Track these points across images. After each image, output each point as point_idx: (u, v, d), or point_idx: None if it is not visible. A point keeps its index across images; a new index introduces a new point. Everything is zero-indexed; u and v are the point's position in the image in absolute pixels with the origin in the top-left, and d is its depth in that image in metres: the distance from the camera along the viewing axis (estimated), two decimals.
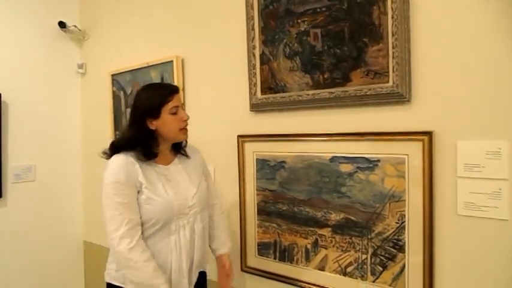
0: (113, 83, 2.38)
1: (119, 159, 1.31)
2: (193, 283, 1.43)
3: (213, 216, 1.57)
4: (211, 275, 1.62)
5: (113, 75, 2.37)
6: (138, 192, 1.30)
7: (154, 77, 2.09)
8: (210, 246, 1.56)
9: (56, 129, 2.60)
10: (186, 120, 1.38)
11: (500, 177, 1.10)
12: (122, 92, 2.32)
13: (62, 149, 2.62)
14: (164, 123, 1.34)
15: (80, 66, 2.67)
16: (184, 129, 1.39)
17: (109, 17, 2.49)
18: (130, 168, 1.30)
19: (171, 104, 1.34)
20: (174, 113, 1.35)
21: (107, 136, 2.44)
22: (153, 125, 1.34)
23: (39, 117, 2.49)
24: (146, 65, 2.13)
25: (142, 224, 1.30)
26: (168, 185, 1.36)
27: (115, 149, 1.35)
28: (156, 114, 1.33)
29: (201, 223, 1.42)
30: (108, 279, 1.41)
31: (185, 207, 1.36)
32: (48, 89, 2.55)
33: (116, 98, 2.37)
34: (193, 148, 1.56)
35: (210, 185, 1.57)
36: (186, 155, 1.50)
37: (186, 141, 1.51)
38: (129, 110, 2.26)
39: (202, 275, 1.51)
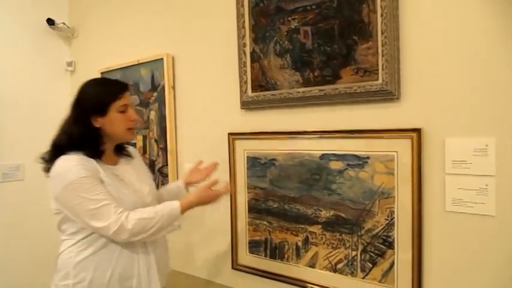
0: None
1: (73, 157, 1.20)
2: (163, 286, 1.37)
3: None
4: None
5: (102, 73, 2.35)
6: None
7: (145, 75, 2.08)
8: (168, 196, 1.51)
9: (45, 127, 2.51)
10: (134, 120, 1.32)
11: (487, 173, 1.12)
12: None
13: None
14: (111, 122, 1.27)
15: (69, 64, 2.64)
16: (132, 129, 1.33)
17: (98, 14, 2.46)
18: (90, 164, 1.21)
19: (120, 102, 1.27)
20: (123, 112, 1.28)
21: None
22: (98, 122, 1.26)
23: (27, 116, 2.46)
24: (136, 63, 2.11)
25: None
26: (124, 185, 1.29)
27: (58, 148, 1.25)
28: (103, 111, 1.25)
29: None
30: None
31: (144, 205, 1.28)
32: (37, 87, 2.52)
33: None
34: (132, 148, 1.51)
35: None
36: (130, 155, 1.44)
37: (128, 143, 1.48)
38: None
39: None
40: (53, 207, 1.29)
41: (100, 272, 1.22)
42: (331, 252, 1.44)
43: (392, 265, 1.29)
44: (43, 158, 1.28)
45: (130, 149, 1.49)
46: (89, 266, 1.22)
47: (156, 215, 1.20)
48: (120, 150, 1.41)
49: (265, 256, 1.63)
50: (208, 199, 1.30)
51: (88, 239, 1.24)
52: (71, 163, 1.19)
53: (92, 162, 1.23)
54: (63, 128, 1.29)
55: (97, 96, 1.27)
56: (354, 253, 1.38)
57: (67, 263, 1.25)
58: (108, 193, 1.20)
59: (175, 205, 1.24)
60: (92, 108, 1.25)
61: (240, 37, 1.62)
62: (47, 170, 1.26)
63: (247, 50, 1.61)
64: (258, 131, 1.62)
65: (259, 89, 1.58)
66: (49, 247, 2.56)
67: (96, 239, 1.23)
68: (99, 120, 1.26)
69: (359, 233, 1.36)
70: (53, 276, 1.31)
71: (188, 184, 1.56)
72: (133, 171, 1.39)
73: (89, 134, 1.25)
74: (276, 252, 1.59)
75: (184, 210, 1.25)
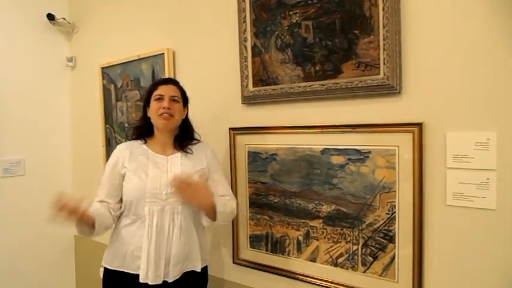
0: (103, 76, 2.36)
1: (120, 145, 1.53)
2: (172, 278, 1.39)
3: None
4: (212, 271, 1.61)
5: (103, 68, 2.35)
6: (124, 177, 1.45)
7: (145, 70, 2.08)
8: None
9: (46, 122, 2.56)
10: (164, 107, 1.43)
11: (489, 167, 1.12)
12: (112, 85, 2.30)
13: (52, 142, 2.60)
14: (151, 110, 1.48)
15: (70, 60, 2.64)
16: (162, 116, 1.44)
17: (99, 9, 2.45)
18: (122, 155, 1.47)
19: (157, 92, 1.47)
20: (158, 100, 1.45)
21: (98, 130, 2.42)
22: (148, 112, 1.50)
23: (28, 111, 2.46)
24: (137, 58, 2.11)
25: (123, 206, 1.45)
26: (154, 170, 1.43)
27: (131, 135, 1.59)
28: (148, 101, 1.50)
29: (181, 215, 1.40)
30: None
31: (160, 191, 1.39)
32: (37, 82, 2.52)
33: (106, 91, 2.35)
34: (204, 145, 1.58)
35: (214, 181, 1.52)
36: (189, 151, 1.51)
37: (195, 138, 1.57)
38: (119, 104, 2.26)
39: (193, 276, 1.47)
40: None
41: (119, 245, 1.44)
42: (332, 246, 1.44)
43: (393, 259, 1.29)
44: None
45: (200, 146, 1.56)
46: (115, 239, 1.47)
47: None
48: (182, 145, 1.53)
49: (266, 250, 1.63)
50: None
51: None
52: (115, 150, 1.51)
53: (126, 152, 1.47)
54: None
55: (146, 90, 1.55)
56: (354, 247, 1.38)
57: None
58: (106, 186, 1.46)
59: None
60: (144, 100, 1.53)
61: (241, 31, 1.62)
62: None
63: (249, 44, 1.60)
64: (259, 125, 1.62)
65: (261, 84, 1.58)
66: (49, 242, 2.58)
67: (122, 217, 1.46)
68: (148, 110, 1.50)
69: (360, 227, 1.36)
70: None
71: None
72: (179, 165, 1.47)
73: (143, 122, 1.53)
74: (277, 246, 1.60)
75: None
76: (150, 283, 1.36)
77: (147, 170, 1.43)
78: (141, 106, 1.57)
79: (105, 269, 1.47)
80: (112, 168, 1.46)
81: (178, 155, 1.50)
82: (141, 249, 1.38)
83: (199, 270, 1.47)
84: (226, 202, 1.46)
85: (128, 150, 1.48)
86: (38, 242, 2.51)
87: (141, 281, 1.36)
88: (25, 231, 2.44)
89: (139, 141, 1.52)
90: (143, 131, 1.53)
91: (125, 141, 1.67)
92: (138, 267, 1.38)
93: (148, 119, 1.50)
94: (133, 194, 1.41)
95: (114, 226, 1.48)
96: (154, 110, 1.46)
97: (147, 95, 1.51)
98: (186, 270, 1.45)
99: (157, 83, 1.52)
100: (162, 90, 1.47)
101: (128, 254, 1.41)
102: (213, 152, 1.59)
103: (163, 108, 1.44)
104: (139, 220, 1.41)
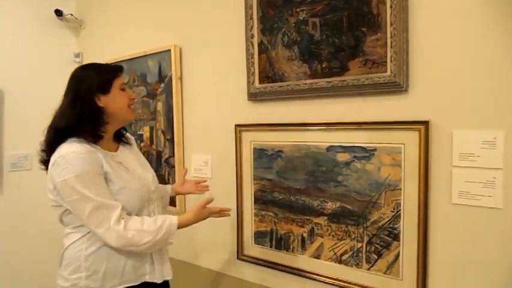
0: None
1: (77, 147, 1.16)
2: None
3: None
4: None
5: None
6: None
7: (152, 66, 2.09)
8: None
9: None
10: (134, 98, 1.34)
11: (495, 166, 1.12)
12: None
13: None
14: (114, 99, 1.24)
15: (77, 55, 2.65)
16: (131, 108, 1.32)
17: (106, 5, 2.47)
18: (94, 157, 1.17)
19: (120, 80, 1.28)
20: (123, 90, 1.28)
21: None
22: (101, 101, 1.22)
23: (35, 106, 2.46)
24: (143, 54, 2.12)
25: None
26: (128, 172, 1.27)
27: (57, 133, 1.21)
28: (106, 88, 1.23)
29: (159, 208, 1.38)
30: None
31: (150, 192, 1.31)
32: (45, 77, 2.53)
33: None
34: (130, 136, 1.47)
35: None
36: (128, 142, 1.42)
37: (126, 130, 1.44)
38: None
39: None
40: (51, 199, 1.25)
41: (113, 262, 1.21)
42: (336, 243, 1.44)
43: (397, 257, 1.30)
44: (43, 150, 1.27)
45: (128, 135, 1.46)
46: (101, 258, 1.20)
47: (157, 230, 1.18)
48: (119, 137, 1.38)
49: (271, 247, 1.64)
50: (203, 216, 1.31)
51: None
52: (75, 155, 1.14)
53: (96, 153, 1.19)
54: (62, 113, 1.23)
55: (99, 75, 1.24)
56: (359, 245, 1.38)
57: (77, 256, 1.22)
58: (109, 192, 1.17)
59: (173, 221, 1.22)
60: (95, 86, 1.22)
61: (248, 28, 1.62)
62: (45, 160, 1.24)
63: (255, 41, 1.60)
64: (264, 122, 1.62)
65: (267, 81, 1.58)
66: (57, 236, 2.60)
67: None
68: (102, 98, 1.23)
69: (365, 225, 1.36)
70: (58, 270, 1.29)
71: (177, 193, 1.65)
72: (135, 158, 1.38)
73: (92, 115, 1.20)
74: (281, 243, 1.60)
75: (180, 227, 1.24)
76: (169, 278, 1.33)
77: (125, 172, 1.26)
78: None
79: None
80: (97, 174, 1.17)
81: (122, 149, 1.36)
82: (144, 256, 1.25)
83: None
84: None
85: (98, 153, 1.19)
86: (44, 236, 2.53)
87: (160, 281, 1.29)
88: (31, 225, 2.47)
89: (89, 141, 1.20)
90: (100, 127, 1.23)
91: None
92: (141, 275, 1.26)
93: (102, 111, 1.23)
94: (136, 201, 1.24)
95: (86, 247, 1.21)
96: (122, 101, 1.27)
97: (104, 82, 1.23)
98: None
99: (117, 69, 1.29)
100: (124, 78, 1.30)
101: (127, 267, 1.23)
102: None
103: (133, 99, 1.32)
104: None
